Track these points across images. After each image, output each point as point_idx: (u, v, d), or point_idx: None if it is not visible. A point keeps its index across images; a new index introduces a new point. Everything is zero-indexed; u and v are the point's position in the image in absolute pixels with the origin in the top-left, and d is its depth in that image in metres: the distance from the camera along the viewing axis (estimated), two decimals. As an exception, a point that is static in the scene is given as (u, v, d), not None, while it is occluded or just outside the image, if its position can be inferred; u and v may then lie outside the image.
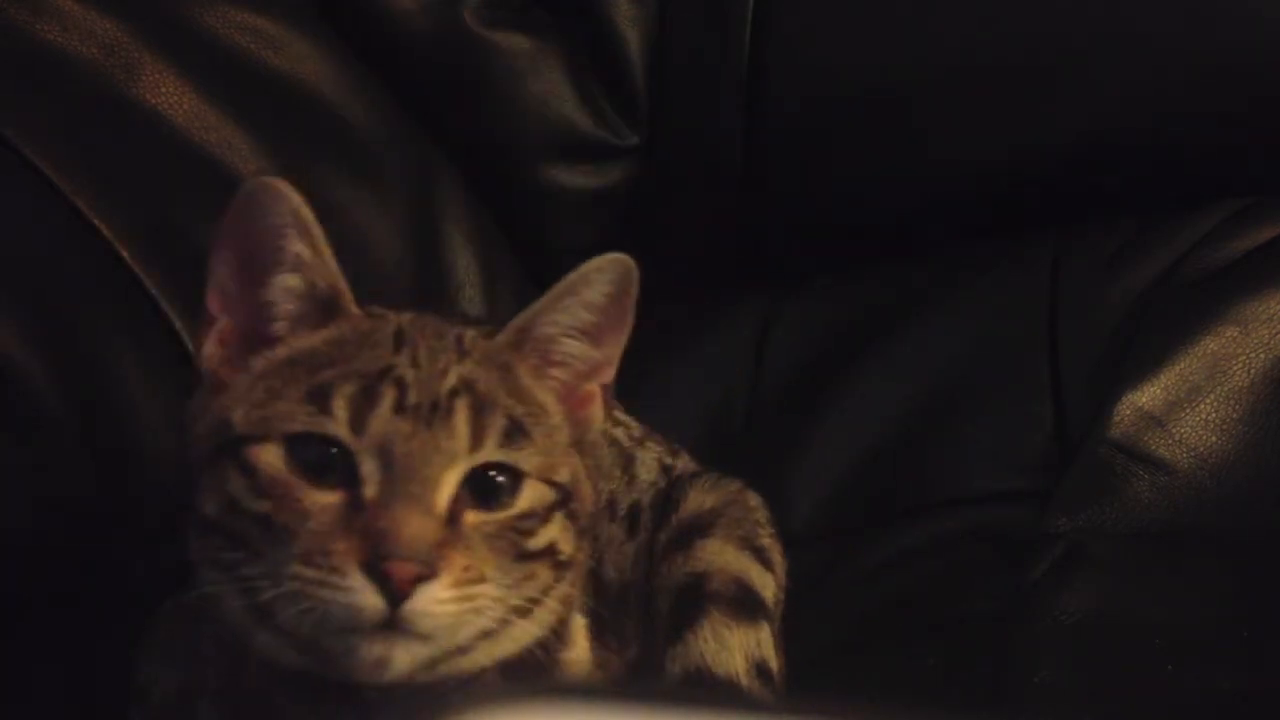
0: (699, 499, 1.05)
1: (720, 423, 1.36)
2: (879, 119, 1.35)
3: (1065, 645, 1.00)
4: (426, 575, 0.76)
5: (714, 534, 1.02)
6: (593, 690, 0.82)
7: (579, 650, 0.90)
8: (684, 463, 1.13)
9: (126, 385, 1.07)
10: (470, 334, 0.86)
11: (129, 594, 1.01)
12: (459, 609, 0.78)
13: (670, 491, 1.06)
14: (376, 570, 0.76)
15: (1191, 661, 0.97)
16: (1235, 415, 1.15)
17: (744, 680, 0.95)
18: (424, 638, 0.78)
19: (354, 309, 0.85)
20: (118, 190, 1.11)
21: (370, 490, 0.78)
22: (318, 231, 0.83)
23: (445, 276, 1.34)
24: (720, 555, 1.01)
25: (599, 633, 0.91)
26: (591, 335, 0.88)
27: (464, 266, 1.35)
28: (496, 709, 0.54)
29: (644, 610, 0.97)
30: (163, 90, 1.18)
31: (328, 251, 0.84)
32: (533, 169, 1.39)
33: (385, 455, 0.79)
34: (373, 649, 0.78)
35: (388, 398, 0.80)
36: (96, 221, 1.09)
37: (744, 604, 0.99)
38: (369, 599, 0.76)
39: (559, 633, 0.87)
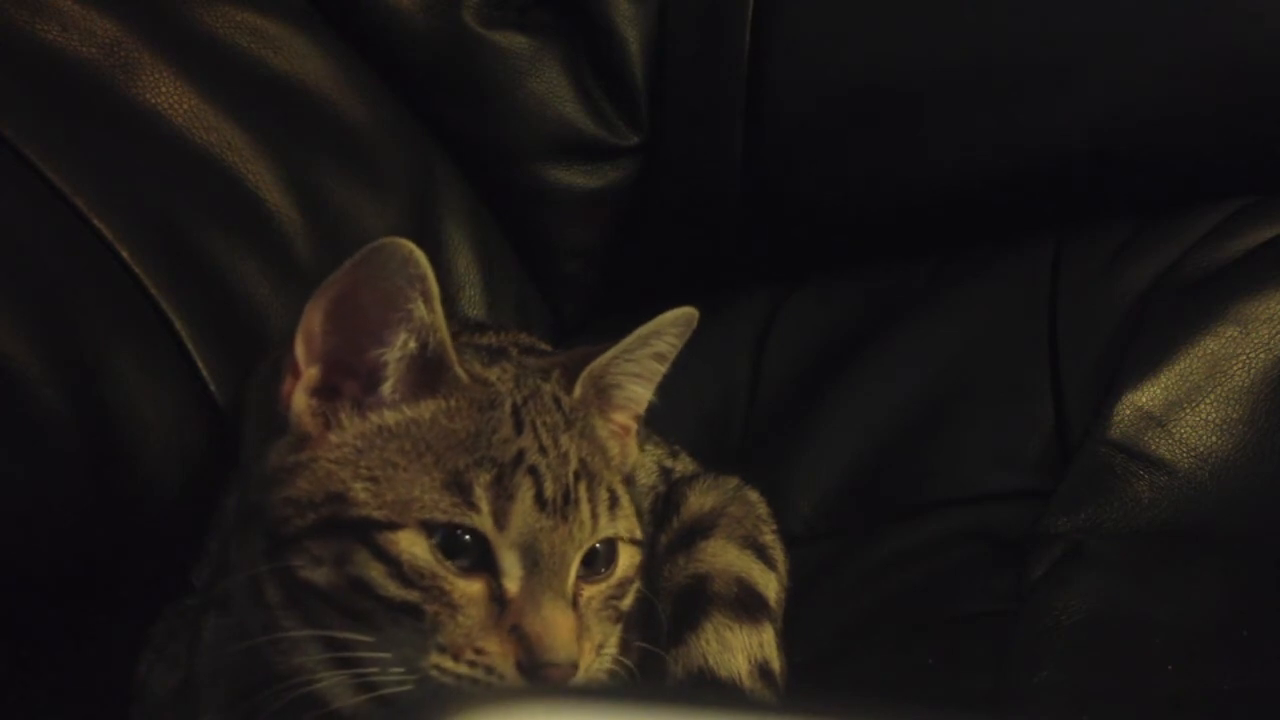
0: (699, 500, 1.05)
1: (720, 422, 1.36)
2: (879, 118, 1.35)
3: (1065, 645, 1.00)
4: (573, 673, 0.80)
5: (715, 534, 1.02)
6: (592, 690, 0.82)
7: None
8: (683, 464, 1.13)
9: (126, 385, 1.06)
10: (561, 394, 0.88)
11: (128, 593, 1.01)
12: None
13: (669, 494, 1.06)
14: (535, 674, 0.79)
15: (1192, 661, 0.97)
16: (1235, 415, 1.15)
17: (746, 681, 0.95)
18: None
19: (459, 371, 0.85)
20: (117, 190, 1.11)
21: (512, 585, 0.80)
22: (438, 294, 0.83)
23: (445, 277, 1.34)
24: (722, 555, 1.01)
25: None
26: (650, 380, 0.91)
27: (464, 267, 1.35)
28: (497, 709, 0.54)
29: (645, 614, 0.97)
30: (162, 90, 1.17)
31: (441, 314, 0.83)
32: (532, 169, 1.39)
33: (528, 551, 0.81)
34: None
35: (527, 490, 0.81)
36: (96, 221, 1.09)
37: (746, 605, 0.99)
38: None
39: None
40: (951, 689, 1.00)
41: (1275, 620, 1.01)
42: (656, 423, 1.14)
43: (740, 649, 0.97)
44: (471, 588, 0.80)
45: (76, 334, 1.05)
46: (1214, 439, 1.15)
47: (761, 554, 1.03)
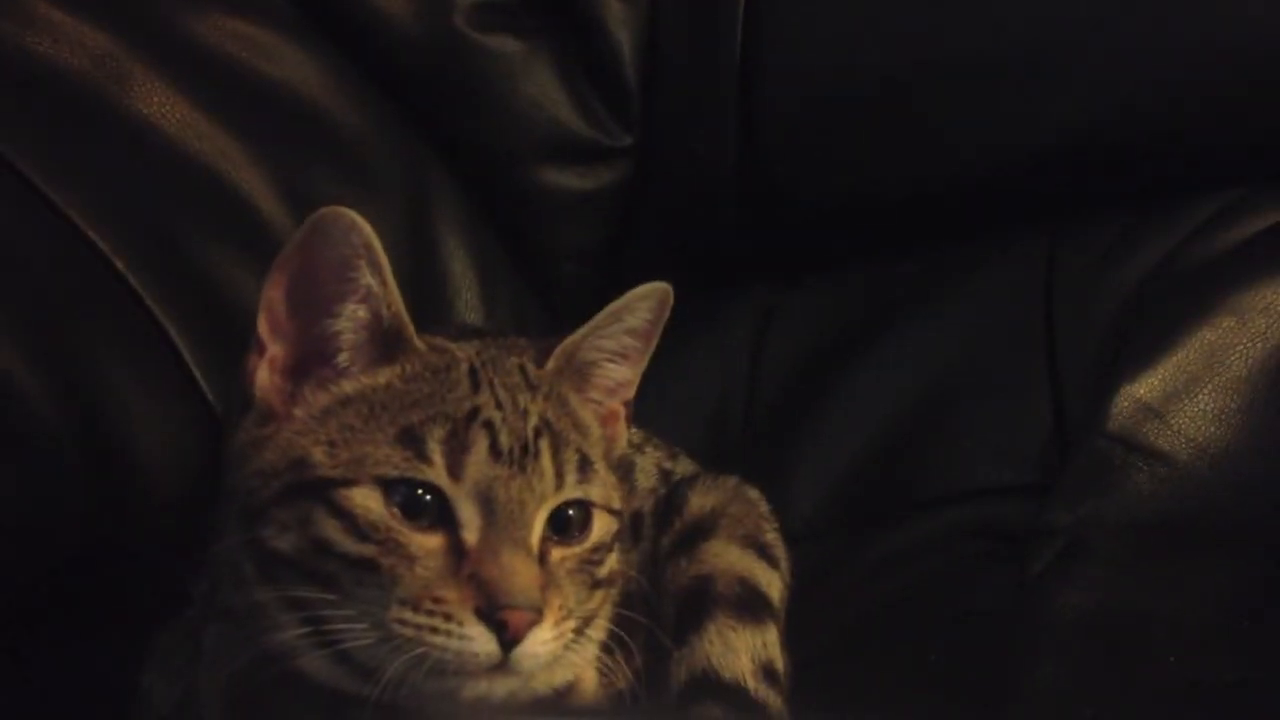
0: (700, 501, 1.05)
1: (719, 422, 1.36)
2: (871, 114, 1.35)
3: (1067, 640, 1.00)
4: (536, 620, 0.80)
5: (717, 535, 1.02)
6: (586, 711, 0.83)
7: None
8: (683, 465, 1.13)
9: (124, 396, 1.06)
10: (529, 365, 0.88)
11: (128, 606, 1.01)
12: (557, 646, 0.82)
13: (670, 496, 1.06)
14: (493, 619, 0.79)
15: (1192, 653, 0.97)
16: (1233, 405, 1.15)
17: (750, 682, 0.95)
18: (524, 674, 0.81)
19: (417, 341, 0.85)
20: (111, 202, 1.11)
21: (471, 535, 0.81)
22: (386, 263, 0.83)
23: (442, 282, 1.34)
24: (724, 556, 1.01)
25: (605, 644, 0.92)
26: (629, 358, 0.91)
27: (460, 271, 1.35)
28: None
29: (649, 617, 0.97)
30: (154, 100, 1.18)
31: (394, 284, 0.84)
32: (526, 171, 1.39)
33: (485, 500, 0.81)
34: (476, 688, 0.81)
35: (481, 442, 0.82)
36: (90, 233, 1.09)
37: (750, 605, 0.99)
38: (486, 645, 0.79)
39: (609, 647, 0.90)
40: (953, 685, 1.00)
41: (1276, 611, 1.01)
42: (656, 422, 1.14)
43: (744, 649, 0.97)
44: (429, 541, 0.80)
45: (73, 347, 1.05)
46: (1212, 429, 1.15)
47: (764, 553, 1.03)
